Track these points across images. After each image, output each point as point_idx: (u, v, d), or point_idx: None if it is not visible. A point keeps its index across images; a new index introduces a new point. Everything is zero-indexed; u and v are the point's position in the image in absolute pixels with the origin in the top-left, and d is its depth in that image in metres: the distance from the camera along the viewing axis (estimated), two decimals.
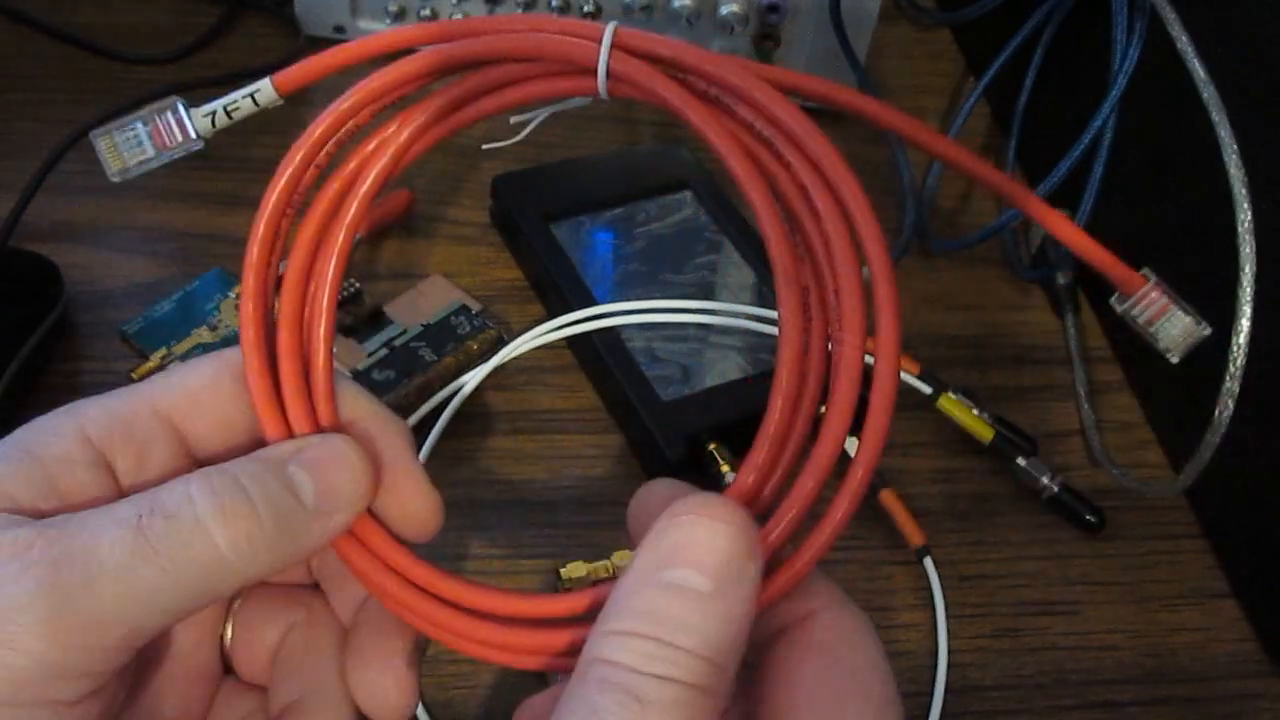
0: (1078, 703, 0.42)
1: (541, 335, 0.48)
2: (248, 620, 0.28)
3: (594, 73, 0.24)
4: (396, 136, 0.26)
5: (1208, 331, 0.29)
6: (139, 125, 0.25)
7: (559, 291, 0.50)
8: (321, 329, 0.25)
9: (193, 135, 0.25)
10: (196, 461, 0.26)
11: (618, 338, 0.47)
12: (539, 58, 0.25)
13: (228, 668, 0.28)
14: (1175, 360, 0.28)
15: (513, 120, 0.28)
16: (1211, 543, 0.47)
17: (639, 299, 0.49)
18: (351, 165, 0.26)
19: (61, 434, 0.24)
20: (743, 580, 0.21)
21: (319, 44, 0.61)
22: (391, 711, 0.25)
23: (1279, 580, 0.44)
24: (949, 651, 0.42)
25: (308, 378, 0.25)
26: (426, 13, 0.59)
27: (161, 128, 0.25)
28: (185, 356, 0.46)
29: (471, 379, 0.47)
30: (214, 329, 0.47)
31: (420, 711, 0.39)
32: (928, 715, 0.41)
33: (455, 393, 0.46)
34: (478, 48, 0.25)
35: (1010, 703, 0.42)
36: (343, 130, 0.26)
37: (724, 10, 0.56)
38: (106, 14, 0.62)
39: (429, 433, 0.45)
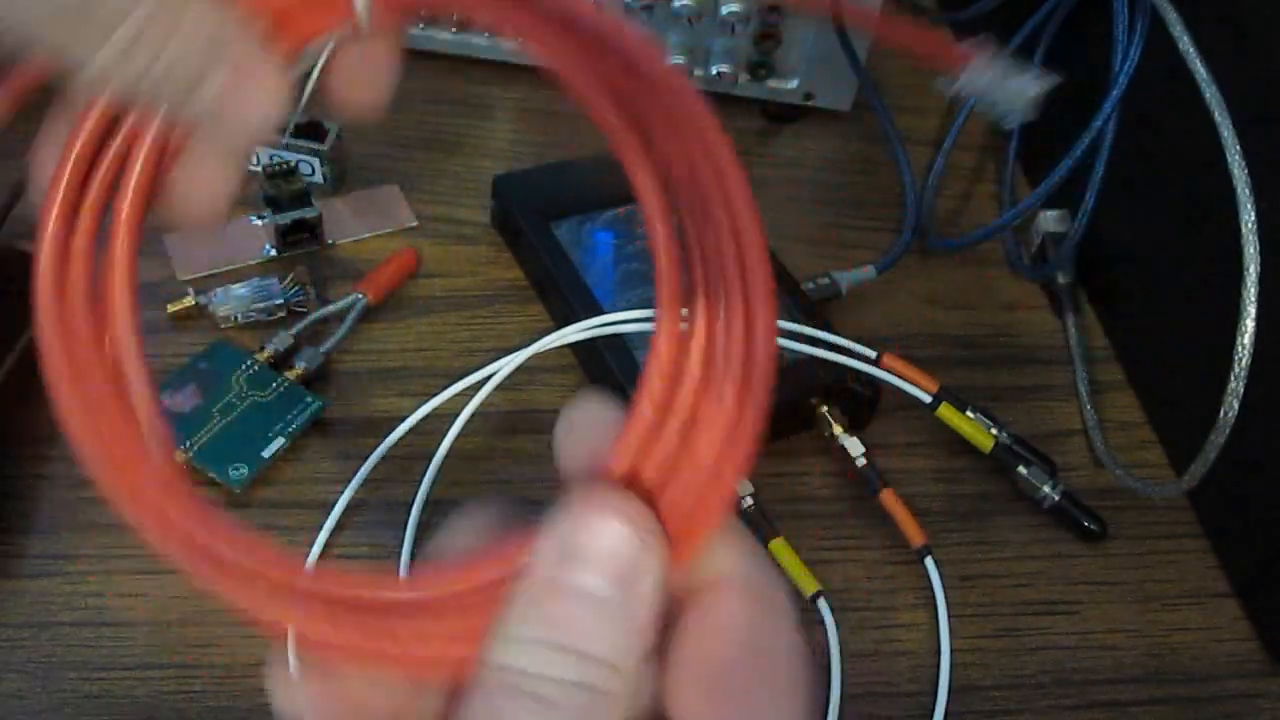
0: (1078, 702, 0.42)
1: (553, 343, 0.47)
2: None
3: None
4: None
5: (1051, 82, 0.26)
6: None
7: (560, 292, 0.50)
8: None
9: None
10: None
11: (619, 338, 0.47)
12: None
13: None
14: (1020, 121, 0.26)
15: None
16: (1212, 543, 0.47)
17: (640, 299, 0.49)
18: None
19: None
20: (643, 582, 0.21)
21: None
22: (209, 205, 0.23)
23: (1279, 580, 0.44)
24: (951, 651, 0.42)
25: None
26: (426, 13, 0.59)
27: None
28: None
29: (487, 387, 0.46)
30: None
31: None
32: (931, 715, 0.41)
33: (469, 399, 0.46)
34: None
35: (1011, 702, 0.42)
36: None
37: (725, 10, 0.56)
38: None
39: (445, 435, 0.45)
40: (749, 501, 0.43)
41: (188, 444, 0.44)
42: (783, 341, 0.48)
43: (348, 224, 0.54)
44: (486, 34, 0.60)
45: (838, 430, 0.46)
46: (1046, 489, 0.46)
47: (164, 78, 0.21)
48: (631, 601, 0.21)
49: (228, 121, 0.22)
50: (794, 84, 0.61)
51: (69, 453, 0.23)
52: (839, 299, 0.53)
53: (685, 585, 0.22)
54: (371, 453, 0.45)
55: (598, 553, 0.21)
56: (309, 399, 0.46)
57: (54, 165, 0.24)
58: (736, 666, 0.22)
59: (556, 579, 0.21)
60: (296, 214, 0.51)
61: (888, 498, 0.45)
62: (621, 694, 0.20)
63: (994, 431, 0.46)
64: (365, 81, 0.24)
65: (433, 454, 0.45)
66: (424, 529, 0.44)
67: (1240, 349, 0.39)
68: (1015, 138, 0.59)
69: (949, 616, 0.43)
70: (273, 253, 0.52)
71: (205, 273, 0.51)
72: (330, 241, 0.53)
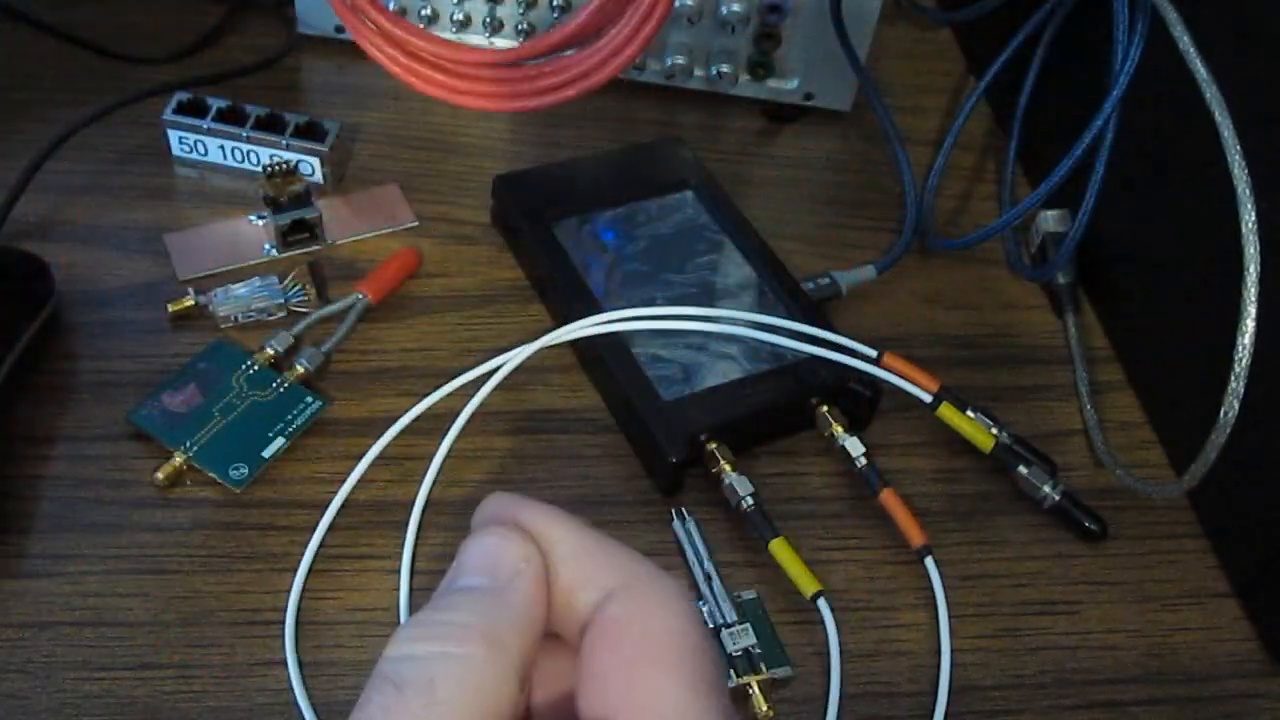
0: (1079, 702, 0.42)
1: (553, 343, 0.47)
2: None
3: None
4: None
5: None
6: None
7: (560, 292, 0.50)
8: None
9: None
10: None
11: (619, 337, 0.47)
12: None
13: None
14: None
15: None
16: (1212, 543, 0.47)
17: (640, 299, 0.49)
18: None
19: None
20: (520, 575, 0.23)
21: (311, 42, 0.61)
22: None
23: (1279, 580, 0.44)
24: (951, 651, 0.42)
25: None
26: (427, 12, 0.59)
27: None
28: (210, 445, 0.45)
29: (487, 387, 0.46)
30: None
31: None
32: (932, 715, 0.41)
33: (469, 399, 0.46)
34: None
35: (1011, 702, 0.42)
36: None
37: (724, 10, 0.56)
38: (106, 14, 0.62)
39: (445, 435, 0.45)
40: (749, 501, 0.43)
41: (188, 444, 0.44)
42: (783, 341, 0.48)
43: (348, 224, 0.54)
44: (486, 34, 0.60)
45: (838, 430, 0.46)
46: (1046, 489, 0.46)
47: None
48: (508, 587, 0.23)
49: None
50: (794, 84, 0.61)
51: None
52: (839, 299, 0.53)
53: (583, 609, 0.24)
54: (371, 452, 0.45)
55: (475, 559, 0.23)
56: (309, 399, 0.46)
57: None
58: (622, 658, 0.23)
59: (446, 585, 0.23)
60: (296, 214, 0.51)
61: (888, 498, 0.44)
62: (488, 658, 0.22)
63: (994, 431, 0.46)
64: None
65: (433, 454, 0.45)
66: (424, 529, 0.44)
67: (1240, 349, 0.39)
68: (1015, 137, 0.59)
69: (949, 616, 0.43)
70: (273, 253, 0.52)
71: (205, 273, 0.51)
72: (330, 241, 0.53)
